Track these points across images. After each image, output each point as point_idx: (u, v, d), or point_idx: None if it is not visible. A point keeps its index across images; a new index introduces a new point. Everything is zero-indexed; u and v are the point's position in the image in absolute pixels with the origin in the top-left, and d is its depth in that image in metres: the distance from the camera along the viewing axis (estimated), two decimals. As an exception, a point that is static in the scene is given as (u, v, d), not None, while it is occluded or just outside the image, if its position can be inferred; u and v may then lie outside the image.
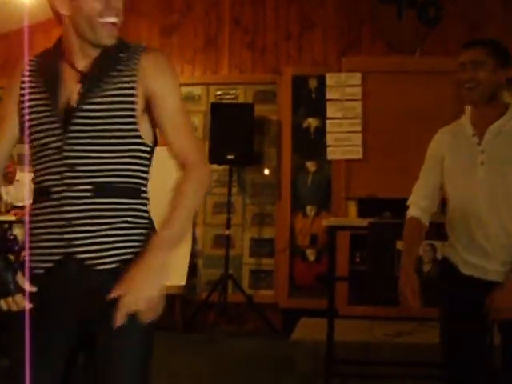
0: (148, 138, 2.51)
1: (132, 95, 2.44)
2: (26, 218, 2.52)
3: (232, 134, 7.72)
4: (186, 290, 7.93)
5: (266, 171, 8.32)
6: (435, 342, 3.29)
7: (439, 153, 3.50)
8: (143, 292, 2.27)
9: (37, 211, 2.47)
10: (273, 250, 8.26)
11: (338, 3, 8.34)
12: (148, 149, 2.52)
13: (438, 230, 5.20)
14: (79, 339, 2.46)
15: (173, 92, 2.51)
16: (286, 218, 8.16)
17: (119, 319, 2.25)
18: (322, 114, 8.09)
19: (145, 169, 2.53)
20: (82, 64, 2.46)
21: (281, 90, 8.29)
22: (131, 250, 2.44)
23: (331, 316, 5.63)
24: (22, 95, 2.51)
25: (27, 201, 8.38)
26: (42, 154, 2.45)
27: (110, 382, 2.38)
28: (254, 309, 7.94)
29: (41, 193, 2.47)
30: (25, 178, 8.07)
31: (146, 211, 2.54)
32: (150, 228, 2.52)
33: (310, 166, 8.18)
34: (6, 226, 7.58)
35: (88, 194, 2.39)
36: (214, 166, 7.99)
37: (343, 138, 7.98)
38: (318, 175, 8.17)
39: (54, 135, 2.42)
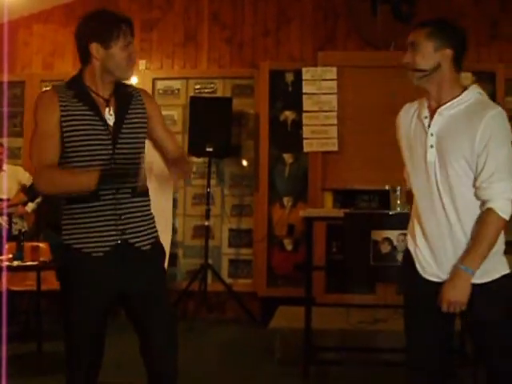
0: None
1: (145, 119, 3.32)
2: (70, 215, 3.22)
3: (211, 127, 7.69)
4: (167, 280, 7.90)
5: (245, 163, 8.30)
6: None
7: (402, 132, 3.35)
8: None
9: (87, 209, 3.14)
10: (251, 240, 8.25)
11: (314, -1, 8.34)
12: None
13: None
14: (116, 296, 3.27)
15: (161, 114, 3.50)
16: (264, 209, 8.14)
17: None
18: (298, 108, 8.07)
19: None
20: (105, 93, 3.23)
21: (258, 83, 8.26)
22: (155, 234, 3.33)
23: (309, 304, 5.63)
24: (64, 116, 3.13)
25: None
26: (92, 163, 3.12)
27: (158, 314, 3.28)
28: (234, 297, 7.92)
29: (88, 196, 3.11)
30: (10, 170, 7.99)
31: None
32: None
33: (287, 158, 8.17)
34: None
35: (129, 196, 3.20)
36: (193, 159, 7.98)
37: (319, 131, 7.97)
38: (295, 167, 8.16)
39: (104, 149, 3.14)
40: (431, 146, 3.13)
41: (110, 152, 3.16)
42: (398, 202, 5.13)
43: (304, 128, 8.01)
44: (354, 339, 6.11)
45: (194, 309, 7.70)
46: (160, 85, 8.29)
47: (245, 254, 8.27)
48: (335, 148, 7.93)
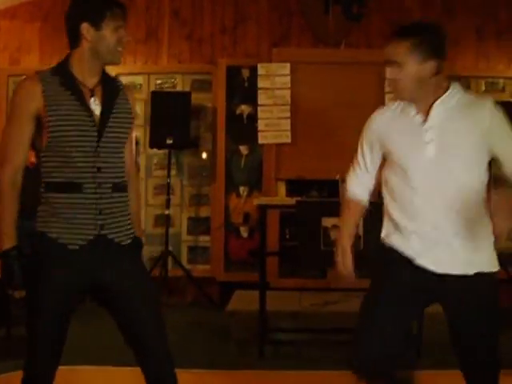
0: None
1: (131, 114, 3.16)
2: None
3: (171, 120, 7.68)
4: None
5: (204, 155, 8.30)
6: (358, 310, 3.23)
7: (378, 135, 3.18)
8: None
9: (66, 200, 2.97)
10: (209, 228, 8.26)
11: (269, -2, 8.38)
12: None
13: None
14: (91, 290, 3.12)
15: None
16: (221, 198, 8.16)
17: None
18: (254, 102, 8.09)
19: None
20: (91, 82, 3.04)
21: (216, 79, 8.26)
22: (132, 230, 3.16)
23: (263, 288, 5.67)
24: (48, 105, 2.93)
25: None
26: (75, 154, 2.95)
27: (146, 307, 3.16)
28: (193, 282, 7.94)
29: (70, 187, 2.96)
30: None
31: None
32: None
33: (243, 149, 8.19)
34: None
35: (109, 191, 3.02)
36: (154, 150, 8.00)
37: (273, 124, 8.00)
38: (251, 158, 8.19)
39: (89, 140, 2.96)
40: (427, 142, 2.99)
41: (95, 144, 2.98)
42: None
43: (259, 121, 8.03)
44: (306, 321, 6.16)
45: (155, 293, 7.68)
46: (123, 80, 8.01)
47: (203, 241, 8.28)
48: (288, 140, 7.97)
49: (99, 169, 2.99)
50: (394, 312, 3.10)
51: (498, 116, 3.01)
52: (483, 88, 8.19)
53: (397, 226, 3.15)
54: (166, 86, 8.40)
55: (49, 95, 2.94)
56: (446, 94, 3.02)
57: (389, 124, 3.15)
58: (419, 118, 3.04)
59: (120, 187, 3.09)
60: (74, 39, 3.03)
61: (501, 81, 8.23)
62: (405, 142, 3.07)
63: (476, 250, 3.04)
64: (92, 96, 3.02)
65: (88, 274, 2.99)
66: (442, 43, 3.04)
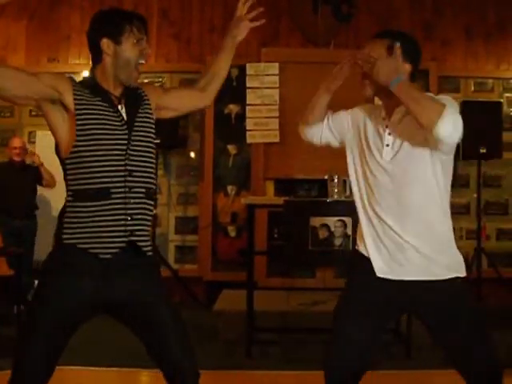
0: None
1: (153, 116, 3.11)
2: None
3: (159, 120, 7.66)
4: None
5: (192, 154, 8.30)
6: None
7: (355, 119, 3.22)
8: None
9: (96, 208, 2.86)
10: (196, 227, 8.27)
11: (258, -2, 8.36)
12: None
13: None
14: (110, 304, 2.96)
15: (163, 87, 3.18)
16: (209, 198, 8.17)
17: None
18: (242, 101, 8.10)
19: None
20: (117, 91, 3.01)
21: (204, 78, 8.26)
22: (150, 243, 3.05)
23: (251, 287, 5.66)
24: (78, 104, 2.89)
25: None
26: (104, 158, 2.88)
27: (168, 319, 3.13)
28: (180, 282, 7.92)
29: (99, 193, 2.87)
30: None
31: None
32: None
33: (231, 149, 8.20)
34: None
35: (142, 196, 2.93)
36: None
37: (262, 123, 8.02)
38: (239, 157, 8.19)
39: (120, 143, 2.90)
40: (387, 145, 2.98)
41: (125, 147, 2.92)
42: (336, 190, 5.19)
43: (247, 120, 8.05)
44: (294, 320, 6.15)
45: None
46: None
47: (190, 241, 8.29)
48: (277, 139, 7.99)
49: (130, 172, 2.92)
50: (359, 326, 3.02)
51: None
52: (472, 88, 8.24)
53: (362, 230, 3.11)
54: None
55: (78, 95, 2.92)
56: None
57: (364, 118, 3.17)
58: (385, 122, 3.04)
59: (151, 195, 3.01)
60: (96, 55, 3.04)
61: (490, 81, 8.29)
62: (371, 143, 3.07)
63: (433, 256, 2.97)
64: (119, 103, 3.00)
65: (117, 286, 2.89)
66: (417, 51, 3.06)
